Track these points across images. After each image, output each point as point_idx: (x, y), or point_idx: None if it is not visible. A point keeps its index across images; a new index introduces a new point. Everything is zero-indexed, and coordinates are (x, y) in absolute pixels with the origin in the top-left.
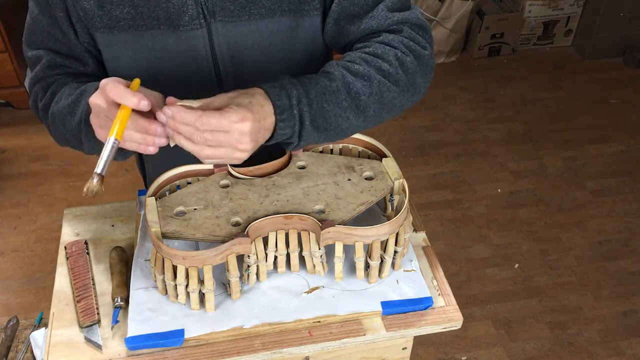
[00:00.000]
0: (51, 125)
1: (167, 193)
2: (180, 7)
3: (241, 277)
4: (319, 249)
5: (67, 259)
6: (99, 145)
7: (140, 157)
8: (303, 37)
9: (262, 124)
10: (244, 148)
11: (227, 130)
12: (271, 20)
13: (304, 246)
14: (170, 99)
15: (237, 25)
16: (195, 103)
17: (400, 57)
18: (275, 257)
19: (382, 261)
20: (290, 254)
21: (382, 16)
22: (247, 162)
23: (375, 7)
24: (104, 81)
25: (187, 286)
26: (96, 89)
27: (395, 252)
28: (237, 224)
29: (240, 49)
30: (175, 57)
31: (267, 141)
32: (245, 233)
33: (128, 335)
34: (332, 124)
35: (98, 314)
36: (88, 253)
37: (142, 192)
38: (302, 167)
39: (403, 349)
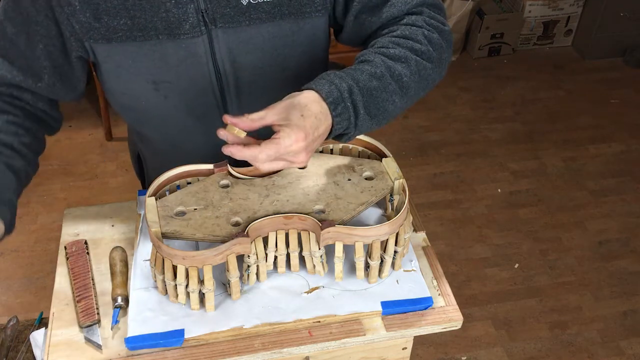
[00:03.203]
0: None
1: (167, 193)
2: (181, 16)
3: (241, 277)
4: (319, 249)
5: (67, 259)
6: None
7: (139, 161)
8: (304, 39)
9: (316, 134)
10: (301, 161)
11: (282, 153)
12: (271, 24)
13: (304, 246)
14: (226, 117)
15: (238, 31)
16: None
17: (427, 35)
18: (275, 257)
19: (382, 261)
20: (290, 254)
21: (402, 2)
22: (248, 163)
23: None
24: None
25: (187, 286)
26: None
27: (395, 252)
28: (237, 224)
29: (241, 54)
30: (175, 65)
31: (326, 137)
32: (245, 233)
33: (128, 335)
34: (381, 109)
35: (98, 314)
36: (88, 253)
37: (142, 192)
38: (302, 167)
39: (403, 349)
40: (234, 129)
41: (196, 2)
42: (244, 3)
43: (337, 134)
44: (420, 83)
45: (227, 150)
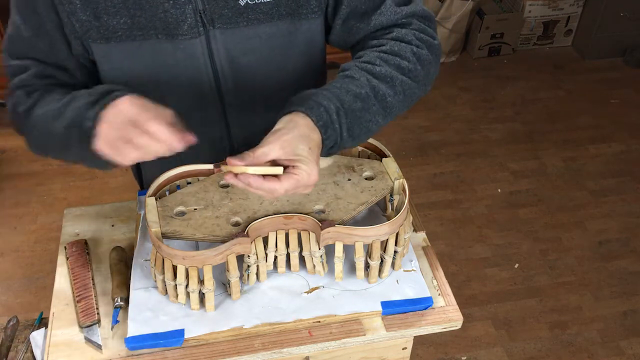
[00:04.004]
0: (31, 129)
1: (167, 193)
2: (179, 17)
3: (241, 277)
4: (319, 249)
5: (67, 259)
6: (87, 153)
7: (137, 163)
8: (301, 41)
9: (317, 154)
10: (310, 189)
11: (298, 187)
12: (269, 25)
13: (304, 246)
14: (230, 160)
15: (236, 32)
16: (258, 170)
17: (416, 52)
18: (275, 257)
19: (382, 261)
20: (290, 254)
21: (391, 11)
22: None
23: (383, 3)
24: (136, 100)
25: (187, 286)
26: (91, 97)
27: (395, 252)
28: (237, 224)
29: (239, 54)
30: (173, 66)
31: None
32: (245, 233)
33: (128, 335)
34: (364, 129)
35: (98, 314)
36: (88, 253)
37: (142, 192)
38: None
39: (403, 349)
40: (246, 168)
41: (194, 3)
42: (242, 4)
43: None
44: (404, 102)
45: (245, 180)
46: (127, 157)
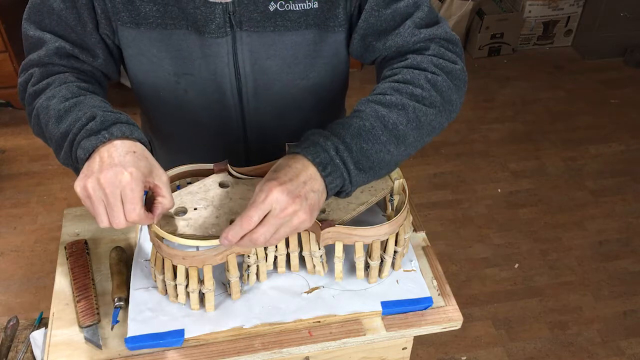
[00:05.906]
0: (33, 114)
1: None
2: (208, 15)
3: (241, 277)
4: (319, 249)
5: (67, 259)
6: (71, 166)
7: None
8: (326, 52)
9: (299, 181)
10: (295, 210)
11: (267, 210)
12: (296, 33)
13: (304, 246)
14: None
15: (262, 36)
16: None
17: (431, 78)
18: (275, 257)
19: (382, 261)
20: (290, 254)
21: (409, 33)
22: (248, 162)
23: (402, 23)
24: (128, 176)
25: (187, 286)
26: (91, 119)
27: (395, 252)
28: None
29: (263, 58)
30: (198, 59)
31: (326, 197)
32: None
33: (128, 335)
34: (375, 161)
35: (98, 314)
36: (88, 253)
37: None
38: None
39: (403, 349)
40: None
41: (225, 4)
42: (271, 9)
43: (335, 192)
44: (421, 130)
45: (225, 242)
46: (97, 213)
